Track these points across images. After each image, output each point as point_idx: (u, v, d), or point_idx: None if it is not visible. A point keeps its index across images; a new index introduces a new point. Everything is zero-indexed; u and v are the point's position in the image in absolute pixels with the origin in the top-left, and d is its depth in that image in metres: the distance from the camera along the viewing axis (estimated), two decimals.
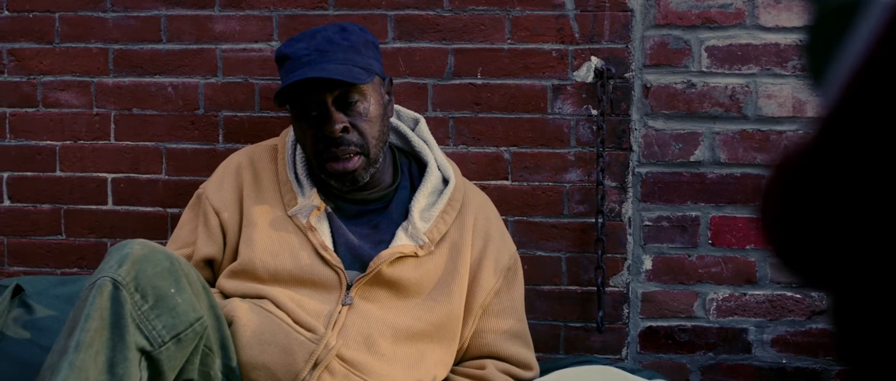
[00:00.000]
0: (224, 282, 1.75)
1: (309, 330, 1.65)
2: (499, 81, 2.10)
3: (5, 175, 2.24)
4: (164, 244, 1.79)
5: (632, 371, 1.81)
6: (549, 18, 2.08)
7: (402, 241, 1.73)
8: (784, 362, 2.09)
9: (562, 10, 2.08)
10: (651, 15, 2.07)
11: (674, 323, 2.11)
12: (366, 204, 1.79)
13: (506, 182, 2.11)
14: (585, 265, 2.10)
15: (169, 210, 2.19)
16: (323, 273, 1.70)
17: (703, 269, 2.09)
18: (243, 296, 1.71)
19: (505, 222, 1.98)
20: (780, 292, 2.08)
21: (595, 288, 2.08)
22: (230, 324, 1.65)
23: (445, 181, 1.82)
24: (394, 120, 1.88)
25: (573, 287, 2.11)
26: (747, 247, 2.08)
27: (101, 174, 2.21)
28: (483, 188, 1.99)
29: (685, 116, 2.07)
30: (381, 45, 1.92)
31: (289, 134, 1.84)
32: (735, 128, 2.06)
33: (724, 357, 2.10)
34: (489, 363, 1.79)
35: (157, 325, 1.46)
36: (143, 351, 1.45)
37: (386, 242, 1.74)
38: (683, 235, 2.09)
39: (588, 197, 2.09)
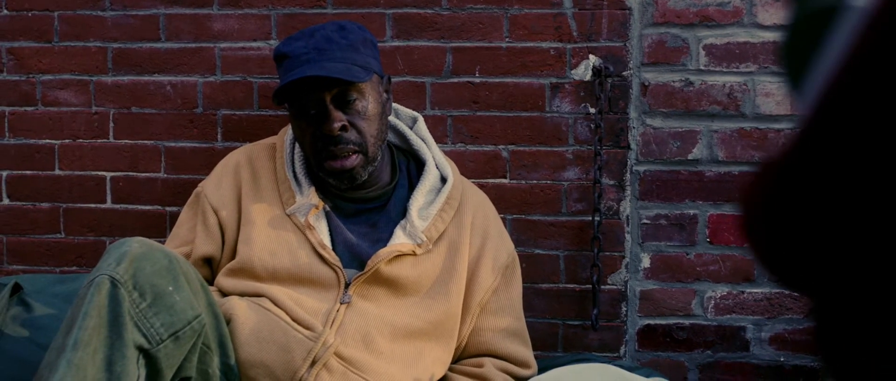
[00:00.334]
0: (222, 280, 1.75)
1: (307, 328, 1.65)
2: (497, 80, 2.10)
3: (4, 174, 2.24)
4: (163, 243, 1.79)
5: (630, 369, 1.81)
6: (548, 17, 2.08)
7: (400, 239, 1.73)
8: (782, 360, 2.10)
9: (560, 9, 2.08)
10: (649, 13, 2.07)
11: (672, 321, 2.11)
12: (364, 202, 1.80)
13: (504, 180, 2.11)
14: (583, 263, 2.10)
15: (168, 209, 2.19)
16: (321, 272, 1.70)
17: (702, 267, 2.09)
18: (242, 294, 1.72)
19: (503, 220, 1.98)
20: (778, 291, 2.08)
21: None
22: (228, 322, 1.66)
23: (443, 180, 1.82)
24: (392, 118, 1.88)
25: (571, 285, 2.11)
26: (745, 245, 2.08)
27: (100, 173, 2.21)
28: (481, 187, 1.99)
29: (683, 115, 2.07)
30: (379, 44, 1.92)
31: (287, 133, 1.84)
32: (733, 126, 2.07)
33: (723, 355, 2.10)
34: (487, 361, 1.79)
35: (155, 323, 1.47)
36: (141, 349, 1.46)
37: (384, 240, 1.74)
38: (681, 233, 2.09)
39: (586, 195, 2.09)
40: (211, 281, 1.78)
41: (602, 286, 2.09)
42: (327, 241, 1.73)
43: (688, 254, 2.10)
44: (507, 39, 2.09)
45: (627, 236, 2.10)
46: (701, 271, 2.09)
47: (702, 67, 2.06)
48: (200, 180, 1.90)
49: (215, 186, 1.81)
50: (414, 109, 1.97)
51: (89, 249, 2.22)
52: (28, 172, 2.23)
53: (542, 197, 2.11)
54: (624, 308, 2.11)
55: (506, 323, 1.81)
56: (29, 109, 2.23)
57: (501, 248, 1.83)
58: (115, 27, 2.18)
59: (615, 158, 2.09)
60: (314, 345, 1.63)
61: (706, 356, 2.11)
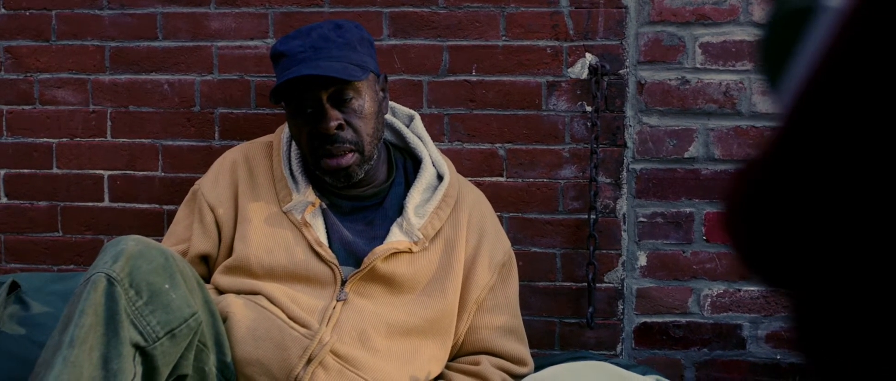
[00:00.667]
0: (219, 278, 1.75)
1: (303, 326, 1.65)
2: (493, 78, 2.10)
3: (2, 172, 2.25)
4: (161, 241, 1.79)
5: (626, 367, 1.81)
6: (544, 15, 2.08)
7: (396, 237, 1.73)
8: (778, 357, 2.10)
9: (556, 7, 2.08)
10: (645, 11, 2.07)
11: (668, 319, 2.11)
12: (360, 200, 1.80)
13: (501, 179, 2.12)
14: (580, 262, 2.11)
15: (165, 207, 2.19)
16: (317, 269, 1.71)
17: (698, 265, 2.10)
18: (238, 292, 1.72)
19: (500, 218, 1.99)
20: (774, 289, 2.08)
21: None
22: (225, 320, 1.66)
23: (440, 178, 1.83)
24: (388, 117, 1.88)
25: (568, 284, 2.12)
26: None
27: (97, 171, 2.22)
28: (478, 185, 1.99)
29: (679, 113, 2.08)
30: (376, 43, 1.93)
31: (284, 131, 1.85)
32: (729, 124, 2.07)
33: (719, 353, 2.11)
34: (484, 358, 1.80)
35: (152, 321, 1.47)
36: (137, 347, 1.46)
37: (380, 238, 1.74)
38: (678, 231, 2.09)
39: (583, 194, 2.10)
40: (207, 279, 1.78)
41: (598, 284, 2.10)
42: (324, 238, 1.74)
43: (684, 252, 2.10)
44: (503, 38, 2.10)
45: (624, 235, 2.11)
46: (697, 269, 2.10)
47: (698, 66, 2.07)
48: (198, 179, 1.90)
49: (212, 184, 1.82)
50: (411, 108, 1.97)
51: (87, 247, 2.22)
52: (26, 170, 2.24)
53: (539, 195, 2.11)
54: (620, 306, 2.12)
55: (502, 321, 1.81)
56: (27, 107, 2.23)
57: (498, 245, 1.83)
58: (113, 26, 2.19)
59: (612, 157, 2.09)
60: (310, 343, 1.63)
61: (703, 354, 2.11)
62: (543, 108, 2.10)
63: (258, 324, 1.65)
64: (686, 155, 2.08)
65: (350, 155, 1.72)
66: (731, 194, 0.55)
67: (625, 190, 2.10)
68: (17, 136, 2.24)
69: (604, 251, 2.10)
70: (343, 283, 1.70)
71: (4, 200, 2.25)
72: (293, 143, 1.81)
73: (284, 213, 1.75)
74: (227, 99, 2.17)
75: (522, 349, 1.84)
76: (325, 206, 1.78)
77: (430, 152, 1.85)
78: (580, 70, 2.08)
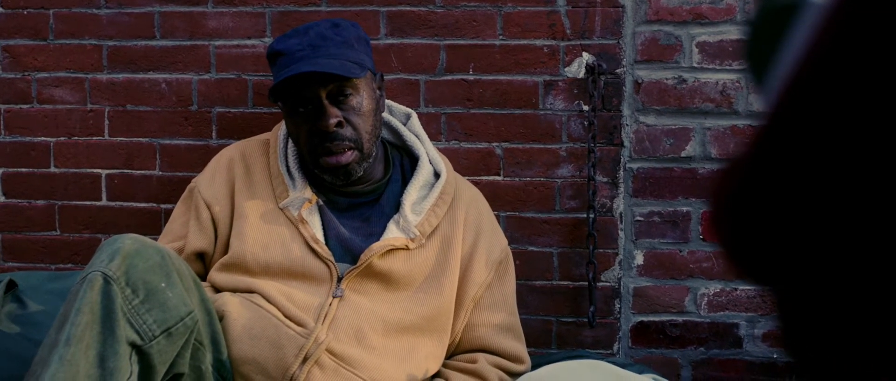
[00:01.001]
0: (215, 275, 1.76)
1: (299, 325, 1.65)
2: (490, 77, 2.10)
3: (0, 171, 2.25)
4: (157, 239, 1.80)
5: (623, 366, 1.81)
6: (541, 14, 2.08)
7: (393, 233, 1.74)
8: (775, 356, 2.10)
9: (553, 7, 2.08)
10: (642, 11, 2.07)
11: (665, 318, 2.12)
12: (357, 197, 1.80)
13: (498, 178, 2.12)
14: (577, 261, 2.11)
15: (162, 206, 2.20)
16: (314, 266, 1.71)
17: (695, 264, 2.10)
18: (234, 290, 1.72)
19: (497, 217, 1.99)
20: None
21: (586, 283, 2.09)
22: (221, 318, 1.66)
23: (437, 175, 1.83)
24: (385, 115, 1.89)
25: (565, 282, 2.12)
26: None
27: (95, 170, 2.22)
28: (475, 184, 2.00)
29: (676, 112, 2.08)
30: (373, 42, 1.93)
31: (281, 129, 1.85)
32: (726, 123, 2.07)
33: (716, 352, 2.11)
34: (481, 356, 1.80)
35: (148, 319, 1.47)
36: (133, 345, 1.46)
37: (377, 234, 1.75)
38: (675, 230, 2.10)
39: (580, 193, 2.10)
40: (203, 277, 1.79)
41: (596, 283, 2.10)
42: (320, 235, 1.74)
43: (681, 251, 2.10)
44: (500, 37, 2.10)
45: (621, 234, 2.11)
46: (694, 268, 2.10)
47: (695, 65, 2.07)
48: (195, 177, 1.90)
49: (209, 182, 1.82)
50: (408, 107, 1.98)
51: (84, 246, 2.23)
52: (23, 169, 2.24)
53: (536, 194, 2.11)
54: (617, 305, 2.12)
55: (499, 319, 1.81)
56: (24, 106, 2.23)
57: (495, 243, 1.83)
58: (111, 25, 2.19)
59: (608, 156, 2.09)
60: (306, 342, 1.63)
61: (699, 353, 2.12)
62: (540, 107, 2.10)
63: (254, 323, 1.66)
64: (683, 154, 2.08)
65: (349, 153, 1.72)
66: (717, 191, 0.55)
67: (621, 189, 2.10)
68: (15, 135, 2.24)
69: (601, 250, 2.10)
70: (339, 280, 1.70)
71: (2, 198, 2.25)
72: (290, 140, 1.82)
73: (281, 209, 1.76)
74: (225, 98, 2.17)
75: (519, 347, 1.84)
76: (321, 203, 1.78)
77: (426, 150, 1.85)
78: (577, 69, 2.08)
